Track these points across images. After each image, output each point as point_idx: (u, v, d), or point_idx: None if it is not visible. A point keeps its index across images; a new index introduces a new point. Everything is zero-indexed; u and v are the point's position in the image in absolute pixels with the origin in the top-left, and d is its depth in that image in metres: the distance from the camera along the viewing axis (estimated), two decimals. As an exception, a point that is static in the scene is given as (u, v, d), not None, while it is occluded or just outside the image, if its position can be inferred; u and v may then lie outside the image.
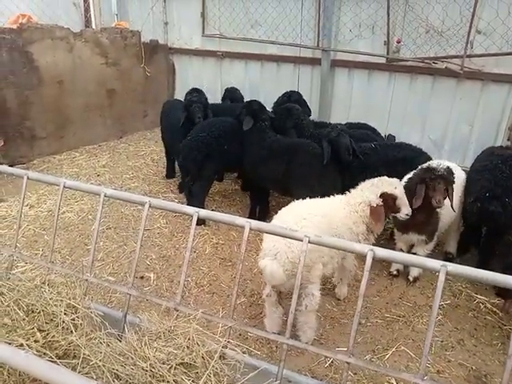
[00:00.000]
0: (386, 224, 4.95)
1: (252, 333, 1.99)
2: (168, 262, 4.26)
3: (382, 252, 1.61)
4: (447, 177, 3.50)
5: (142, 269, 4.11)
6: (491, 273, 1.48)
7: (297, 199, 4.48)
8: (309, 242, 1.71)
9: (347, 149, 4.10)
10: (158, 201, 2.04)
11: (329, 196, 3.53)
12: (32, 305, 1.88)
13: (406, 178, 3.89)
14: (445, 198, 3.55)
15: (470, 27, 5.43)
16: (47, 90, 6.47)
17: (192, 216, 1.94)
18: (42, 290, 1.99)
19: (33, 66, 6.21)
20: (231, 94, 6.61)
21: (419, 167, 3.81)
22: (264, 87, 7.60)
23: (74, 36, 6.65)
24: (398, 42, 6.15)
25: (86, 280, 2.09)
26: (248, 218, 4.94)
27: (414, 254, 3.94)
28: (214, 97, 6.98)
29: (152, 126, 8.28)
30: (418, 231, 3.84)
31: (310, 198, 3.44)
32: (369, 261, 1.60)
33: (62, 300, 1.92)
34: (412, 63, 6.15)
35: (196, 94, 5.51)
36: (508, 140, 5.46)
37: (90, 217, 5.04)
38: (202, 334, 1.79)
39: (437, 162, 3.74)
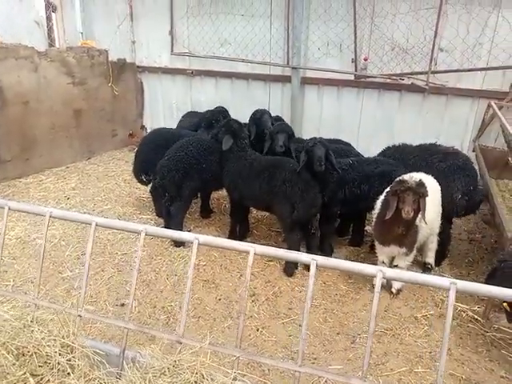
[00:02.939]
0: (365, 237, 5.07)
1: (262, 362, 1.92)
2: (149, 287, 4.12)
3: (392, 272, 1.62)
4: (416, 189, 3.52)
5: (121, 296, 3.96)
6: (503, 289, 1.51)
7: (278, 216, 4.51)
8: (316, 265, 1.69)
9: (319, 160, 4.13)
10: (155, 228, 1.96)
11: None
12: (22, 347, 1.74)
13: (385, 193, 3.97)
14: (419, 211, 3.62)
15: (433, 45, 5.71)
16: (11, 111, 6.21)
17: (192, 242, 1.87)
18: (32, 329, 1.85)
19: (-5, 86, 5.96)
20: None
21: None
22: (235, 105, 7.59)
23: (38, 55, 6.45)
24: (365, 60, 6.37)
25: (80, 316, 1.96)
26: (228, 237, 4.96)
27: (396, 266, 4.02)
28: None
29: (121, 146, 8.12)
30: (398, 243, 3.90)
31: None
32: (379, 282, 1.59)
33: (55, 339, 1.79)
34: (379, 79, 6.37)
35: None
36: (473, 151, 5.70)
37: (62, 243, 4.82)
38: (209, 367, 1.71)
39: (410, 175, 3.77)
